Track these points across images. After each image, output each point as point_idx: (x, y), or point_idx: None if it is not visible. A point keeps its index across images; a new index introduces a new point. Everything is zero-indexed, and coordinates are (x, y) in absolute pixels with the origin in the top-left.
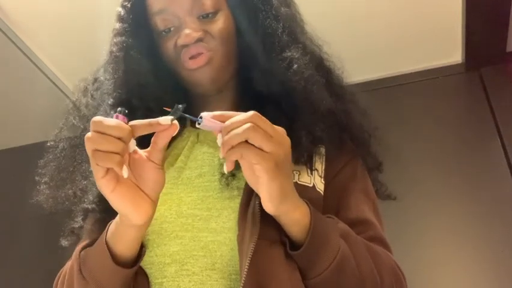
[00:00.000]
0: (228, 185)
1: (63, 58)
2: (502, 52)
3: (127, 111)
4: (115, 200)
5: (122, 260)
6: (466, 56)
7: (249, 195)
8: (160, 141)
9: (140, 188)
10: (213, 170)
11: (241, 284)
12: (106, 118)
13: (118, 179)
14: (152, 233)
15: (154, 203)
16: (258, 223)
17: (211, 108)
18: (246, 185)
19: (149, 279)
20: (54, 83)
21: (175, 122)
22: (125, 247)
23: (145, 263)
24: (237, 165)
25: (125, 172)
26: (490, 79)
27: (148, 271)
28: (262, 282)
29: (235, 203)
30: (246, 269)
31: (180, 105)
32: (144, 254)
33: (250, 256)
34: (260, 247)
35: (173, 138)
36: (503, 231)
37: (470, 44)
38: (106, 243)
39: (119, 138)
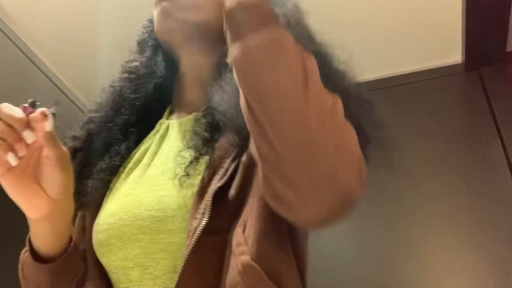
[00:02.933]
0: (181, 185)
1: (63, 58)
2: (502, 52)
3: (38, 103)
4: (5, 186)
5: (46, 255)
6: (466, 56)
7: (202, 193)
8: (40, 138)
9: (40, 184)
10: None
11: (177, 279)
12: (6, 105)
13: (9, 165)
14: (113, 237)
15: (54, 201)
16: (207, 216)
17: (187, 92)
18: (201, 181)
19: (116, 284)
20: (54, 83)
21: (49, 114)
22: (40, 242)
23: (111, 267)
24: (191, 163)
25: (11, 159)
26: (490, 79)
27: (114, 276)
28: (202, 275)
29: (190, 202)
30: (183, 264)
31: (33, 100)
32: (70, 250)
33: (191, 249)
34: (205, 240)
35: (146, 134)
36: (503, 231)
37: (470, 44)
38: (29, 238)
39: (10, 126)
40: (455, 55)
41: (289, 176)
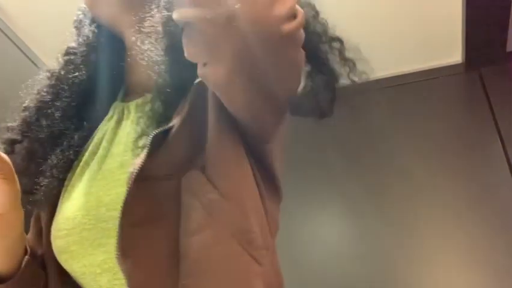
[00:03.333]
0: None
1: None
2: (502, 52)
3: None
4: None
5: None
6: (466, 56)
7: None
8: None
9: None
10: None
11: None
12: None
13: None
14: (73, 244)
15: (2, 215)
16: (143, 158)
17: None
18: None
19: None
20: None
21: None
22: None
23: (77, 273)
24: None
25: None
26: (490, 79)
27: (83, 281)
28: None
29: None
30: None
31: None
32: (26, 263)
33: (126, 192)
34: (147, 186)
35: (100, 119)
36: (503, 231)
37: (470, 44)
38: None
39: None
40: (455, 55)
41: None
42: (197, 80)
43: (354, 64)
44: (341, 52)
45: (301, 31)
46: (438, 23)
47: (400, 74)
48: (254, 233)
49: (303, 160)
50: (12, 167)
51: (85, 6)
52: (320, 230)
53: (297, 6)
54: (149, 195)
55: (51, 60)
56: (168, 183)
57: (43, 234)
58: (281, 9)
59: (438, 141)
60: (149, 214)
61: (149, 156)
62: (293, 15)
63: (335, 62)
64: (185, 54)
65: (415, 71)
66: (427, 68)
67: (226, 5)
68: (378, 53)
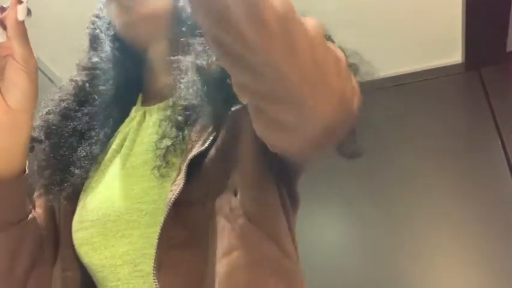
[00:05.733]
0: (162, 176)
1: (63, 58)
2: (502, 52)
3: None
4: None
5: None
6: (466, 56)
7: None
8: (9, 28)
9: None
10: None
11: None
12: None
13: None
14: (97, 235)
15: (12, 112)
16: (182, 185)
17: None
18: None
19: (103, 283)
20: (54, 83)
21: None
22: None
23: (96, 266)
24: (168, 152)
25: None
26: (490, 79)
27: (100, 275)
28: (186, 249)
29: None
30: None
31: None
32: (25, 177)
33: (165, 218)
34: (183, 211)
35: (121, 121)
36: (503, 231)
37: (470, 44)
38: None
39: None
40: (455, 55)
41: (291, 95)
42: (234, 108)
43: (357, 68)
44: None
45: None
46: (438, 23)
47: (400, 74)
48: (283, 259)
49: None
50: (37, 64)
51: (95, 19)
52: (319, 231)
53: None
54: (185, 220)
55: (52, 60)
56: (203, 208)
57: (61, 228)
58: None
59: (438, 141)
60: (185, 238)
61: (186, 182)
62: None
63: None
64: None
65: (415, 71)
66: (427, 68)
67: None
68: (378, 53)
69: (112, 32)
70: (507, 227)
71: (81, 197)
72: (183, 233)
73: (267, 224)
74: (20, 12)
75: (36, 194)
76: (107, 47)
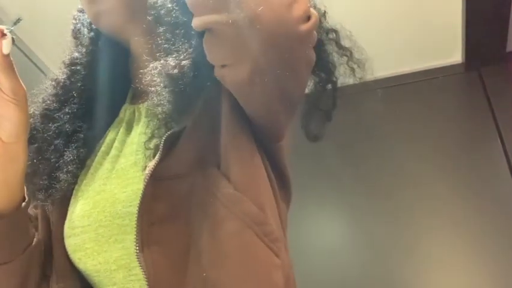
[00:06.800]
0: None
1: (63, 58)
2: (502, 52)
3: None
4: None
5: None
6: (466, 56)
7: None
8: None
9: None
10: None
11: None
12: None
13: None
14: (89, 241)
15: (4, 145)
16: (158, 158)
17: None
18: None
19: (100, 286)
20: None
21: (7, 33)
22: None
23: (91, 271)
24: (157, 151)
25: None
26: (490, 79)
27: (96, 279)
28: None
29: None
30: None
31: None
32: (24, 208)
33: (143, 192)
34: (163, 186)
35: (111, 121)
36: (503, 231)
37: (470, 44)
38: None
39: None
40: (455, 55)
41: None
42: (209, 83)
43: (351, 53)
44: (337, 42)
45: (315, 31)
46: (438, 23)
47: (400, 74)
48: (270, 225)
49: (302, 160)
50: (26, 93)
51: (79, 14)
52: (319, 231)
53: (311, 8)
54: (165, 195)
55: (52, 60)
56: (182, 182)
57: (52, 235)
58: (298, 11)
59: (438, 140)
60: (166, 213)
61: (162, 157)
62: (308, 17)
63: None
64: (208, 58)
65: (415, 71)
66: (427, 68)
67: (248, 8)
68: (378, 53)
69: (91, 27)
70: (507, 226)
71: (71, 202)
72: (163, 207)
73: (253, 192)
74: (5, 46)
75: (33, 204)
76: (87, 40)
